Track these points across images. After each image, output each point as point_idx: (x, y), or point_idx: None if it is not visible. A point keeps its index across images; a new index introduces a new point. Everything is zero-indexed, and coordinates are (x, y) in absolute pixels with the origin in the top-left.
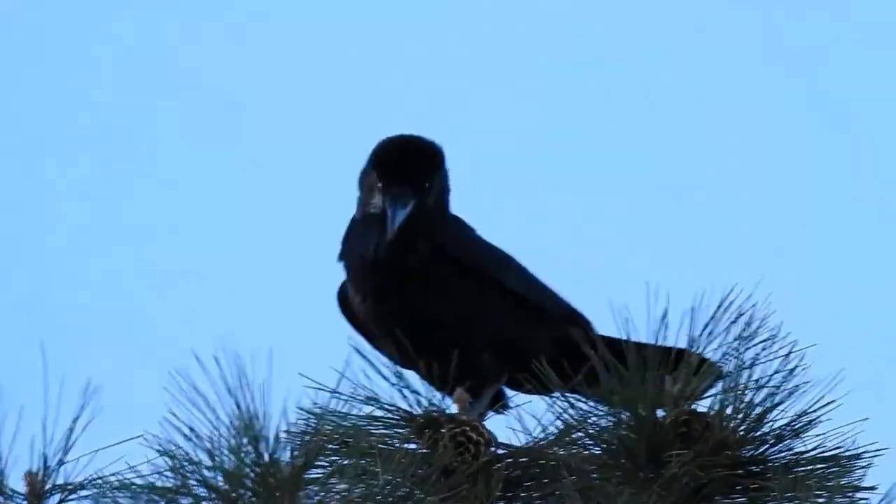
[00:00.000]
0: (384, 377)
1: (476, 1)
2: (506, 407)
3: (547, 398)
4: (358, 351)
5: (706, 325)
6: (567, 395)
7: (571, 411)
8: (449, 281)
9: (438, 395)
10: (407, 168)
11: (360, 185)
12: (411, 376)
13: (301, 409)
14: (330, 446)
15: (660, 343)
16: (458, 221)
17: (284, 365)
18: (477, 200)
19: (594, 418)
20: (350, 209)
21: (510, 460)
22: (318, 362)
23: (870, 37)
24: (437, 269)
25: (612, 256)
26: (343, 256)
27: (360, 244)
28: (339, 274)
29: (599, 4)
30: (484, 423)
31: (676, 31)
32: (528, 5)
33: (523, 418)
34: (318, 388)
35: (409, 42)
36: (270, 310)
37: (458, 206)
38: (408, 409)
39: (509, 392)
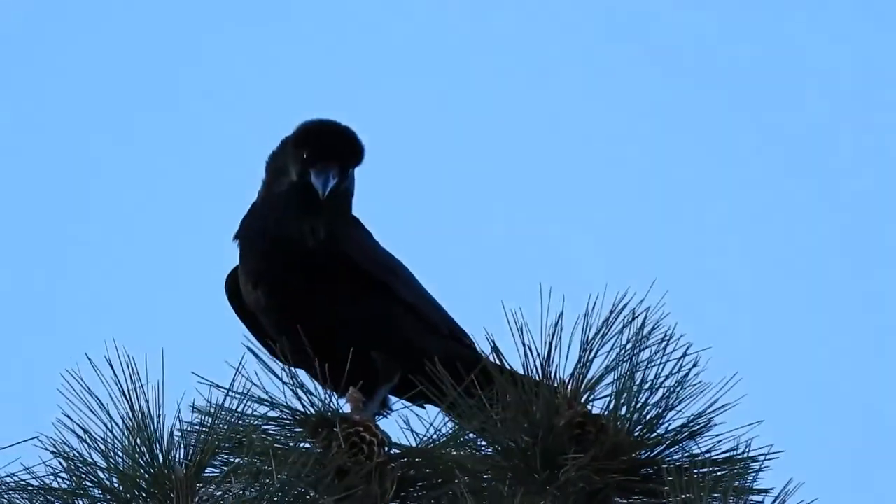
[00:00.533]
0: (277, 377)
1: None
2: (388, 409)
3: (440, 403)
4: (251, 350)
5: (600, 329)
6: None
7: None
8: (341, 279)
9: (332, 394)
10: (336, 147)
11: (269, 167)
12: (304, 375)
13: (195, 408)
14: (224, 446)
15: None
16: (358, 223)
17: (179, 364)
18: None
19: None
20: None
21: (404, 460)
22: (212, 361)
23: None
24: (332, 267)
25: (508, 258)
26: (238, 236)
27: (259, 223)
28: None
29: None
30: (377, 422)
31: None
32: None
33: (417, 419)
34: (213, 387)
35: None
36: (163, 308)
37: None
38: (302, 409)
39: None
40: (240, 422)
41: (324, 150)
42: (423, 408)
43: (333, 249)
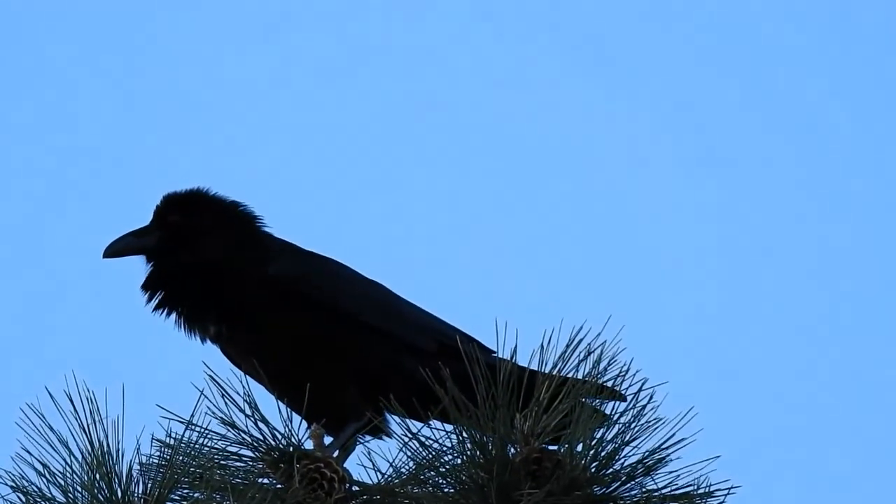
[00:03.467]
0: (239, 408)
1: None
2: (383, 431)
3: (399, 437)
4: (214, 379)
5: (556, 363)
6: (425, 431)
7: (423, 452)
8: (289, 312)
9: (297, 429)
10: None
11: None
12: (272, 408)
13: (156, 440)
14: (184, 481)
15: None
16: (291, 250)
17: (140, 396)
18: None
19: (447, 457)
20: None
21: (364, 497)
22: (174, 394)
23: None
24: (277, 300)
25: (464, 290)
26: None
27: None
28: None
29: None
30: (340, 460)
31: None
32: None
33: (379, 456)
34: (172, 419)
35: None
36: (124, 340)
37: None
38: (263, 442)
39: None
40: (199, 455)
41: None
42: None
43: (278, 294)
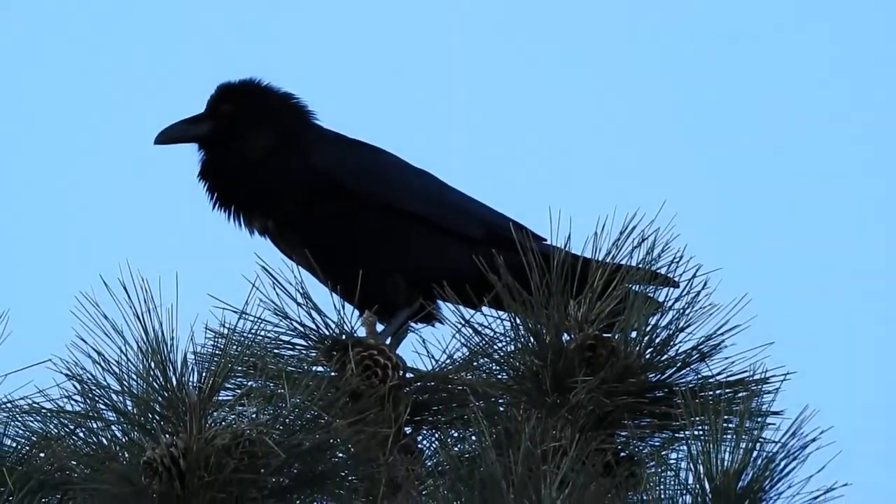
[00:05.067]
0: (291, 297)
1: None
2: (435, 319)
3: (452, 325)
4: (266, 270)
5: (609, 250)
6: (477, 318)
7: (476, 338)
8: (338, 208)
9: (350, 317)
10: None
11: None
12: (324, 297)
13: (209, 329)
14: (238, 369)
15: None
16: (336, 140)
17: (193, 286)
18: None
19: (500, 344)
20: None
21: (418, 384)
22: (226, 283)
23: None
24: (321, 191)
25: (517, 178)
26: None
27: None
28: None
29: None
30: (393, 347)
31: None
32: None
33: (432, 344)
34: (226, 309)
35: None
36: (177, 230)
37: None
38: (316, 331)
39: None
40: (252, 344)
41: None
42: (435, 326)
43: (326, 186)
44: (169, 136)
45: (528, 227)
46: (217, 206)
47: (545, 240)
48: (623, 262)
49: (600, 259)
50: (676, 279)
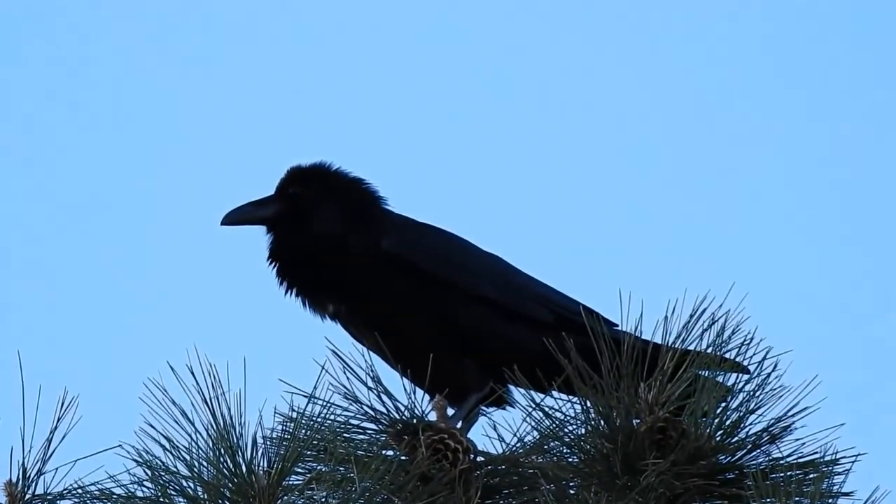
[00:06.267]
0: (362, 382)
1: None
2: (505, 402)
3: (523, 408)
4: (336, 353)
5: (680, 333)
6: (547, 401)
7: (547, 422)
8: (405, 287)
9: (420, 401)
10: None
11: None
12: (394, 381)
13: (279, 413)
14: (307, 454)
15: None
16: (406, 224)
17: (261, 369)
18: None
19: (571, 427)
20: None
21: (489, 468)
22: (294, 368)
23: None
24: (392, 275)
25: (585, 261)
26: None
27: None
28: None
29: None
30: (464, 431)
31: None
32: None
33: (502, 427)
34: (295, 393)
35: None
36: (244, 314)
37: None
38: (386, 415)
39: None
40: (322, 428)
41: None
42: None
43: (391, 265)
44: (234, 217)
45: (598, 311)
46: (286, 289)
47: (616, 325)
48: (693, 346)
49: (670, 343)
50: (746, 364)
